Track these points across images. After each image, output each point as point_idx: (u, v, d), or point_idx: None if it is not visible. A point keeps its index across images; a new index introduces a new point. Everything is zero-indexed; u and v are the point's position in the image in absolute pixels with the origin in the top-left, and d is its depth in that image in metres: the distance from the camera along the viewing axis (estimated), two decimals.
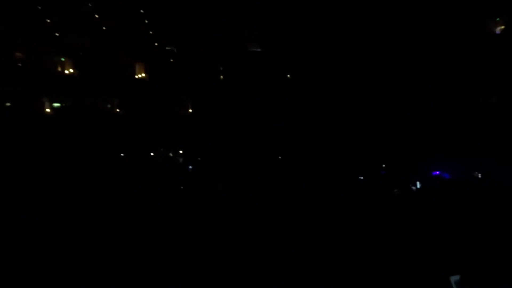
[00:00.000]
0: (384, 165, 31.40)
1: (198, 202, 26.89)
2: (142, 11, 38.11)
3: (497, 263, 20.58)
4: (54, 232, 23.00)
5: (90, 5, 37.89)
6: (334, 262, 21.78)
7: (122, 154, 32.70)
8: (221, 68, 37.68)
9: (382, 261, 21.57)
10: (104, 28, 37.61)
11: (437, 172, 30.47)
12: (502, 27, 33.13)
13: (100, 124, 34.96)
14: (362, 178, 30.00)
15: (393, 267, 21.13)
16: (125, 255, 22.19)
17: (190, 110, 37.41)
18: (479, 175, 30.05)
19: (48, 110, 35.95)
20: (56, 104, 36.14)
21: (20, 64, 36.15)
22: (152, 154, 34.36)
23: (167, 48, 38.11)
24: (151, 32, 38.08)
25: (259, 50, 36.56)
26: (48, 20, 36.95)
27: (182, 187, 29.49)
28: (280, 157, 30.81)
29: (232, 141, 31.68)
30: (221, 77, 37.71)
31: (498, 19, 33.16)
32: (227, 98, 35.30)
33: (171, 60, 37.93)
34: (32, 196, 26.23)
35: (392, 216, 25.36)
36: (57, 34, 36.93)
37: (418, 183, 30.42)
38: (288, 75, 35.06)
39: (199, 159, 32.42)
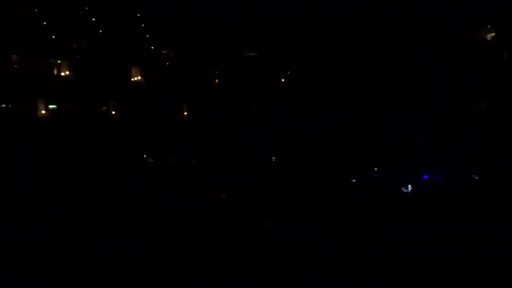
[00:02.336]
0: (376, 168, 31.47)
1: (198, 202, 26.88)
2: (138, 14, 38.23)
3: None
4: (53, 233, 22.96)
5: (86, 8, 37.98)
6: (334, 262, 21.81)
7: (119, 157, 32.65)
8: (216, 72, 37.80)
9: (382, 261, 21.63)
10: (100, 31, 37.69)
11: (426, 176, 30.56)
12: (493, 34, 33.44)
13: (96, 126, 34.97)
14: (360, 178, 30.04)
15: (393, 267, 21.21)
16: (125, 255, 22.14)
17: (186, 113, 37.46)
18: (476, 178, 30.09)
19: (43, 112, 35.93)
20: (52, 106, 36.15)
21: (15, 66, 36.14)
22: (147, 156, 34.35)
23: (163, 51, 38.22)
24: (147, 36, 38.18)
25: (258, 50, 36.68)
26: (45, 23, 36.97)
27: (181, 187, 29.40)
28: (279, 157, 30.85)
29: (231, 141, 31.74)
30: (216, 80, 37.84)
31: (488, 26, 33.47)
32: (226, 98, 35.39)
33: (167, 63, 38.04)
34: (29, 197, 26.16)
35: (390, 217, 25.42)
36: (53, 37, 36.94)
37: (409, 186, 30.48)
38: (288, 75, 35.16)
39: (197, 160, 32.43)
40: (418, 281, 20.72)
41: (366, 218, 25.26)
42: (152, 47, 37.88)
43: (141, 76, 37.50)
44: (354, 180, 30.67)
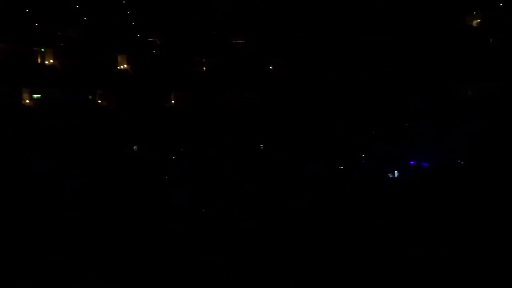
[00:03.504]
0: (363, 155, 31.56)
1: (191, 199, 26.65)
2: (124, 1, 37.66)
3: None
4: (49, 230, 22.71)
5: None
6: (335, 262, 21.85)
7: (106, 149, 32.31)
8: (203, 60, 37.57)
9: (381, 261, 21.69)
10: (85, 18, 37.06)
11: (413, 162, 30.69)
12: (478, 20, 33.65)
13: (82, 115, 34.63)
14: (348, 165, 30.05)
15: (392, 267, 21.30)
16: (125, 255, 22.01)
17: (173, 102, 37.28)
18: (462, 163, 30.22)
19: (28, 101, 35.48)
20: (36, 96, 35.71)
21: None
22: (135, 147, 34.13)
23: (149, 39, 37.79)
24: (133, 23, 37.64)
25: (243, 41, 36.53)
26: (28, 10, 36.27)
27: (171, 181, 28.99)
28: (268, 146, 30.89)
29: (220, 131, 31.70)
30: (204, 68, 37.63)
31: (474, 12, 33.64)
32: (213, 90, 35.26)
33: (154, 51, 37.66)
34: (15, 190, 25.75)
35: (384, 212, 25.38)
36: (36, 24, 36.28)
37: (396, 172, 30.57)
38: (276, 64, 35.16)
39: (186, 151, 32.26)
40: (418, 280, 20.90)
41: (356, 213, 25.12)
42: (138, 35, 37.42)
43: (127, 64, 37.15)
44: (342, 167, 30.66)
